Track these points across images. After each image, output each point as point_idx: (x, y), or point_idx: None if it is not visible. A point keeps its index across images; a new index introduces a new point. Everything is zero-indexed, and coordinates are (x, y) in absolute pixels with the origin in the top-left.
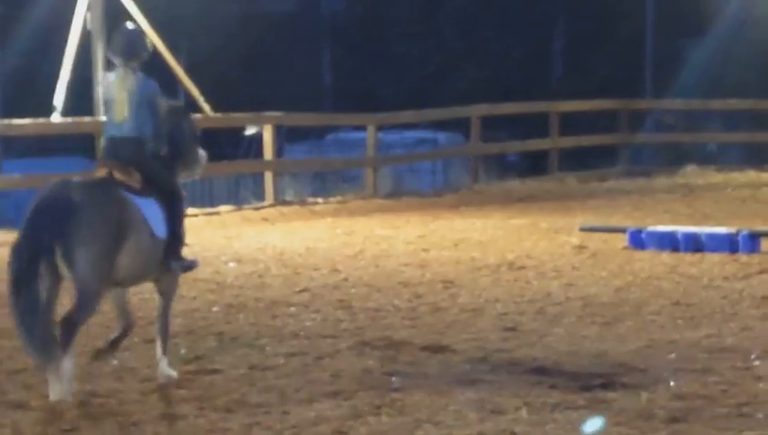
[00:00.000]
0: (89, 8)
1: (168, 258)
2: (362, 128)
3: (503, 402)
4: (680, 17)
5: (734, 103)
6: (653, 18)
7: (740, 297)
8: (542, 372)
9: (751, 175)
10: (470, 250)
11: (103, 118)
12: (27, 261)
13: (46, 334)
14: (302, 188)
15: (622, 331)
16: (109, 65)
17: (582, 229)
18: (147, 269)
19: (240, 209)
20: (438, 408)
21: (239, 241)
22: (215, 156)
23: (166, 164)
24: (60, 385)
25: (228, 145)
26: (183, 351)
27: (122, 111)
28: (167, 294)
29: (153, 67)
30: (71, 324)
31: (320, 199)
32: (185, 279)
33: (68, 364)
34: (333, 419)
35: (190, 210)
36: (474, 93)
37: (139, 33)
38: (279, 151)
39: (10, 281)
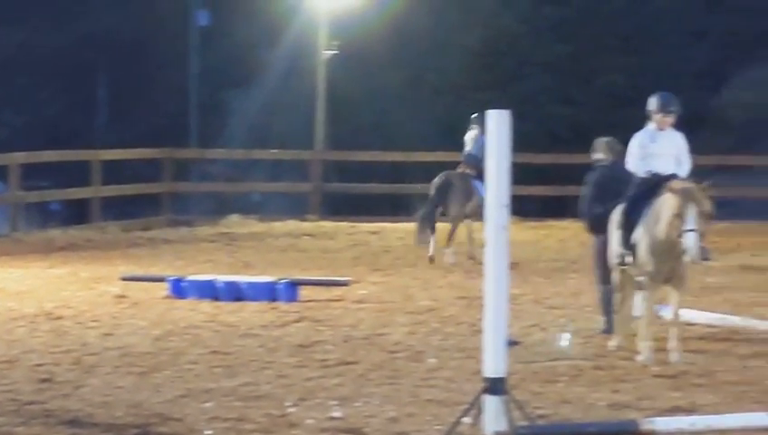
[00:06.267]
0: None
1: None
2: None
3: None
4: (225, 67)
5: (277, 153)
6: (198, 67)
7: (277, 345)
8: (76, 424)
9: (292, 225)
10: (6, 300)
11: None
12: (430, 206)
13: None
14: None
15: (159, 380)
16: None
17: (123, 279)
18: (476, 212)
19: None
20: None
21: None
22: None
23: None
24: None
25: None
26: None
27: None
28: None
29: None
30: (452, 233)
31: None
32: None
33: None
34: None
35: None
36: (14, 141)
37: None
38: None
39: (421, 214)
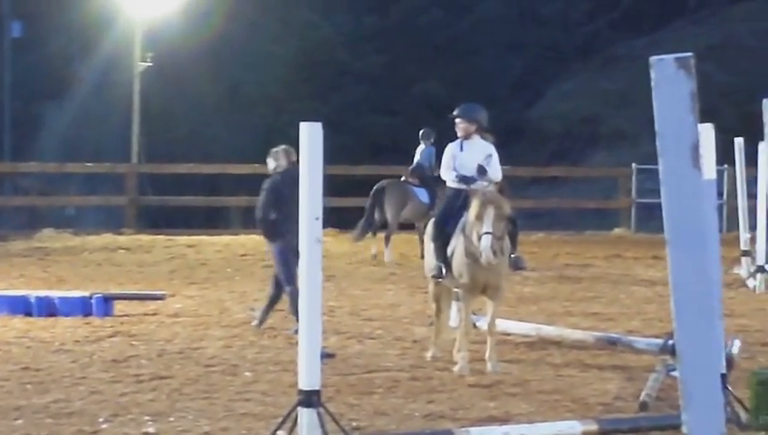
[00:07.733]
0: None
1: (429, 211)
2: None
3: None
4: (38, 79)
5: (91, 167)
6: (10, 79)
7: (90, 361)
8: None
9: (108, 238)
10: None
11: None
12: (368, 213)
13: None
14: None
15: None
16: None
17: None
18: (417, 216)
19: None
20: None
21: None
22: None
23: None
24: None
25: None
26: None
27: None
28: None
29: None
30: (388, 235)
31: None
32: None
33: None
34: None
35: None
36: None
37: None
38: None
39: (360, 223)
